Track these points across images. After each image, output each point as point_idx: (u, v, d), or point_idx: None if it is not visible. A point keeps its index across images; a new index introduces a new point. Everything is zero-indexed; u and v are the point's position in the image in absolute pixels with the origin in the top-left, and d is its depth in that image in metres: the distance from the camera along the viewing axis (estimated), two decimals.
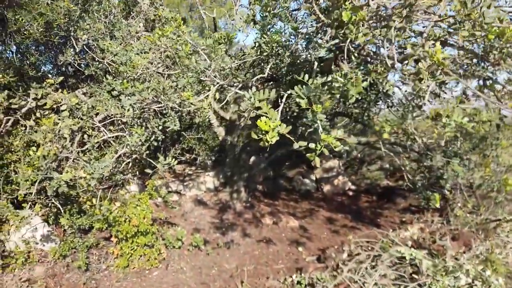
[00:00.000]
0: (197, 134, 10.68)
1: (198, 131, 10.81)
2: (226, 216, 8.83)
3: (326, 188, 12.17)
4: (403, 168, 10.29)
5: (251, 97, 2.95)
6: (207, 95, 5.02)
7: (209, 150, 11.26)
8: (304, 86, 2.91)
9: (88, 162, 4.86)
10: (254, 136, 2.69)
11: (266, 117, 2.68)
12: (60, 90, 5.79)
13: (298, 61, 5.84)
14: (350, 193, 12.03)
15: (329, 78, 3.03)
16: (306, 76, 3.17)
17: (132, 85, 4.79)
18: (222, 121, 10.96)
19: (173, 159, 4.96)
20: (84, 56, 6.81)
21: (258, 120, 2.52)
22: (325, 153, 2.82)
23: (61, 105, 5.02)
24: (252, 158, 11.23)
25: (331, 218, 9.14)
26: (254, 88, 5.27)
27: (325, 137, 2.72)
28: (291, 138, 2.82)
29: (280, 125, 2.54)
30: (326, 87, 3.06)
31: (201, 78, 5.31)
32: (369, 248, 5.98)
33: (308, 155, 2.87)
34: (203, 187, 10.14)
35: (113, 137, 5.89)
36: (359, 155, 13.63)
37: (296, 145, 2.84)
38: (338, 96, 3.00)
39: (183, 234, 6.24)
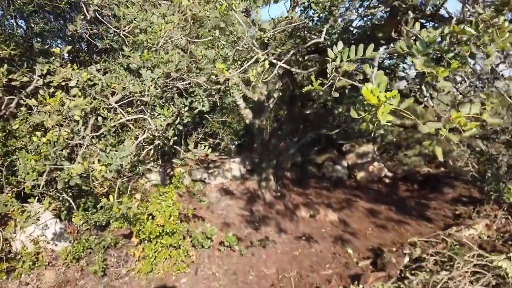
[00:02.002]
0: (221, 117, 9.75)
1: (222, 113, 9.89)
2: (256, 207, 7.97)
3: (360, 175, 11.18)
4: (455, 154, 9.21)
5: (336, 57, 2.01)
6: (243, 69, 4.08)
7: (233, 134, 10.34)
8: (416, 42, 1.96)
9: (104, 150, 4.00)
10: (353, 115, 1.75)
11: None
12: (70, 66, 4.93)
13: (352, 27, 4.82)
14: (387, 181, 11.01)
15: (445, 29, 2.06)
16: (417, 25, 2.21)
17: (155, 56, 3.87)
18: (248, 102, 10.02)
19: (205, 147, 4.07)
20: (97, 27, 5.91)
21: (364, 89, 1.59)
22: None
23: (70, 82, 4.16)
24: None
25: (372, 210, 8.19)
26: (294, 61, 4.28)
27: (456, 116, 1.76)
28: (410, 115, 1.86)
29: (394, 96, 1.62)
30: (443, 43, 2.09)
31: (237, 47, 4.35)
32: (435, 252, 5.03)
33: (425, 143, 1.92)
34: (229, 175, 9.28)
35: (131, 120, 5.02)
36: (394, 139, 12.51)
37: (424, 128, 1.90)
38: (467, 53, 2.03)
39: (213, 232, 5.40)
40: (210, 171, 8.98)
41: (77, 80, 4.18)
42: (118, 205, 3.82)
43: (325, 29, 3.69)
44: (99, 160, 3.54)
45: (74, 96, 4.07)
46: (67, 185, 4.47)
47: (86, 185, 4.13)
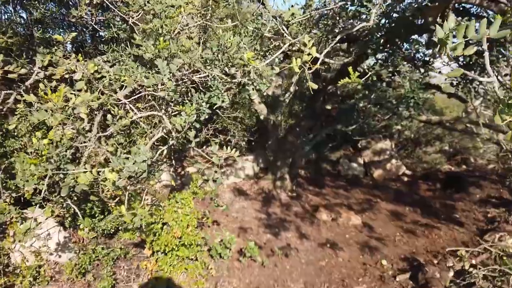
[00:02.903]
0: (232, 112, 9.20)
1: (234, 108, 9.34)
2: (272, 209, 7.46)
3: (377, 173, 10.65)
4: (482, 152, 8.71)
5: (447, 36, 1.47)
6: (275, 57, 3.56)
7: (245, 130, 9.79)
8: None
9: (114, 153, 3.48)
10: (497, 120, 1.21)
11: None
12: (74, 56, 4.38)
13: (392, 12, 4.25)
14: (405, 179, 10.46)
15: None
16: None
17: (174, 43, 3.33)
18: (262, 97, 9.46)
19: (230, 148, 3.54)
20: (103, 14, 5.35)
21: None
22: None
23: (74, 75, 3.63)
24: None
25: (396, 212, 7.66)
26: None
27: None
28: None
29: None
30: None
31: (265, 33, 3.80)
32: (482, 264, 4.49)
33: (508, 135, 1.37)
34: (242, 174, 8.76)
35: (142, 117, 4.50)
36: (412, 135, 11.94)
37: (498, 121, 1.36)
38: None
39: (233, 241, 4.88)
40: (222, 170, 8.45)
41: (83, 73, 3.65)
42: (131, 215, 3.30)
43: (373, 12, 3.14)
44: (111, 168, 3.01)
45: (80, 90, 3.54)
46: (72, 190, 3.97)
47: (94, 195, 3.61)
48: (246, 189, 8.32)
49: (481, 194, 8.42)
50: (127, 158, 3.13)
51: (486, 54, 1.65)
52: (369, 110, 8.97)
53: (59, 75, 4.01)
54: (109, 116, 3.56)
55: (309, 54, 2.51)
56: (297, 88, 8.88)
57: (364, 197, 8.73)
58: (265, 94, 9.01)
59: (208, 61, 3.40)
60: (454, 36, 1.45)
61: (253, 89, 4.61)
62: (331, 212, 7.18)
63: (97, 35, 5.72)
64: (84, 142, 3.49)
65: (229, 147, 3.59)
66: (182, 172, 7.84)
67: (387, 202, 8.34)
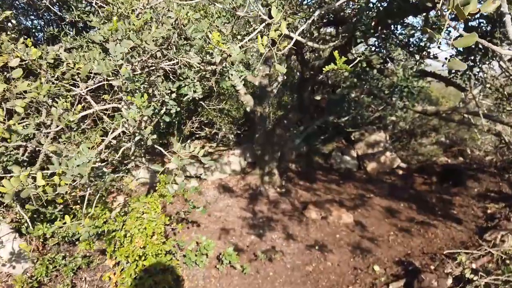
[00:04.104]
0: (218, 104, 8.68)
1: (219, 100, 8.82)
2: (259, 207, 7.00)
3: (371, 166, 10.20)
4: (479, 143, 8.30)
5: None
6: (247, 40, 3.06)
7: (232, 123, 9.29)
8: None
9: (60, 153, 2.98)
10: None
11: None
12: (22, 41, 3.84)
13: None
14: (400, 172, 10.02)
15: None
16: None
17: (126, 22, 2.82)
18: (248, 87, 8.94)
19: (195, 148, 3.04)
20: None
21: None
22: None
23: (10, 62, 3.10)
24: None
25: (390, 209, 7.22)
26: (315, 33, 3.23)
27: None
28: None
29: None
30: None
31: (238, 13, 3.29)
32: (484, 270, 4.06)
33: None
34: (228, 169, 8.27)
35: (104, 110, 4.00)
36: (407, 126, 11.47)
37: None
38: None
39: (210, 246, 4.41)
40: (206, 165, 7.96)
41: (23, 59, 3.12)
42: (76, 226, 2.81)
43: None
44: (44, 168, 2.52)
45: (18, 79, 3.02)
46: (17, 196, 3.46)
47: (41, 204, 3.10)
48: (232, 186, 7.85)
49: (479, 188, 8.00)
50: (69, 159, 2.63)
51: (508, 17, 1.16)
52: (362, 100, 8.49)
53: (1, 62, 3.46)
54: (53, 110, 3.04)
55: (276, 30, 2.02)
56: (285, 77, 8.37)
57: (357, 192, 8.29)
58: (250, 84, 8.51)
59: (162, 42, 2.88)
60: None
61: (228, 78, 4.13)
62: (321, 210, 6.73)
63: (58, 18, 5.17)
64: (22, 140, 2.97)
65: (196, 147, 3.09)
66: (162, 169, 7.33)
67: (381, 198, 7.90)
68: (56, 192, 2.65)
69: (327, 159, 10.73)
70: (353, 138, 11.03)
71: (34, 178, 2.43)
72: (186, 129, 8.66)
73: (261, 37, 2.18)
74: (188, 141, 8.74)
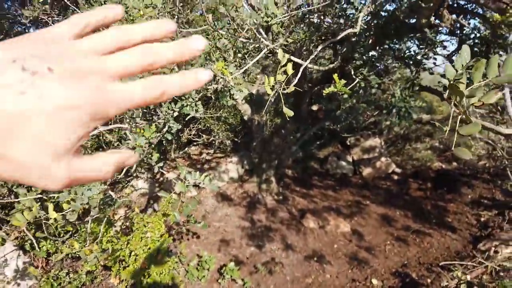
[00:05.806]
0: (215, 112, 8.74)
1: (216, 108, 8.88)
2: (257, 215, 7.09)
3: (366, 171, 10.33)
4: (473, 150, 8.47)
5: (460, 77, 1.08)
6: (248, 66, 3.14)
7: (229, 130, 9.36)
8: None
9: None
10: None
11: None
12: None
13: (382, 12, 3.84)
14: (395, 177, 10.16)
15: None
16: None
17: None
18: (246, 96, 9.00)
19: (202, 146, 3.12)
20: (62, 13, 4.84)
21: None
22: None
23: None
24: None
25: (387, 217, 7.35)
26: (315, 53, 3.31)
27: None
28: None
29: None
30: None
31: (241, 39, 3.37)
32: (480, 284, 4.19)
33: None
34: (226, 177, 8.35)
35: (109, 130, 4.07)
36: (402, 131, 11.62)
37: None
38: None
39: (212, 261, 4.49)
40: (205, 174, 8.01)
41: None
42: (86, 252, 2.88)
43: (361, 16, 2.72)
44: (55, 202, 2.58)
45: None
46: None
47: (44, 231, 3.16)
48: (230, 194, 7.93)
49: (472, 194, 8.16)
50: (78, 189, 2.70)
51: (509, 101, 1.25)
52: (357, 106, 8.61)
53: None
54: None
55: (284, 72, 2.10)
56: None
57: (353, 199, 8.41)
58: (248, 92, 8.57)
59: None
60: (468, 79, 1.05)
61: (230, 97, 4.19)
62: (318, 219, 6.84)
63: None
64: None
65: (202, 175, 3.16)
66: (161, 179, 7.40)
67: (377, 205, 8.03)
68: (66, 219, 2.71)
69: (323, 164, 10.85)
70: (348, 143, 11.16)
71: (46, 210, 2.49)
72: (183, 136, 8.72)
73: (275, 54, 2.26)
74: (186, 148, 8.81)
